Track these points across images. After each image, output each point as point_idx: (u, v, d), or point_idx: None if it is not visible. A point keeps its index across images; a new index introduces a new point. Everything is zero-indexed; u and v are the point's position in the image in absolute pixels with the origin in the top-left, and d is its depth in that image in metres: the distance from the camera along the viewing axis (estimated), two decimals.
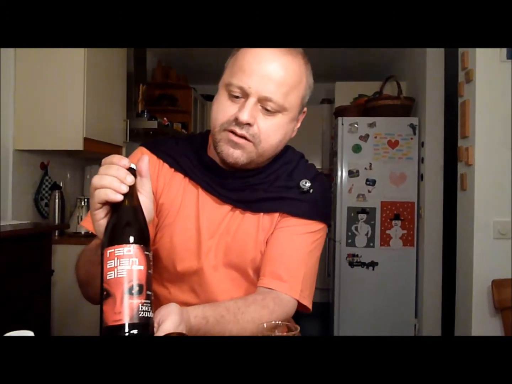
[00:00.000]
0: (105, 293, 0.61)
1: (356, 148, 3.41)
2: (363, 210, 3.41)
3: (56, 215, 2.56)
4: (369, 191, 3.40)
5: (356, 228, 3.42)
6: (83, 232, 2.56)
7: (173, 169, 0.99)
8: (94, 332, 2.39)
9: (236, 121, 0.87)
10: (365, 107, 3.58)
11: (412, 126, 3.35)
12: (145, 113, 3.25)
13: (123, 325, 0.59)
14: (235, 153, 0.90)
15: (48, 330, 1.95)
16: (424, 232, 3.26)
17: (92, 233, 2.60)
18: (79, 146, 2.41)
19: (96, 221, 0.69)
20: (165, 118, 3.37)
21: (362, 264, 3.42)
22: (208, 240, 0.95)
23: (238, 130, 0.87)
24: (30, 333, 0.55)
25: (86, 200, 2.67)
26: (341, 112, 3.66)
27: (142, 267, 0.62)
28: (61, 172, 2.85)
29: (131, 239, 0.63)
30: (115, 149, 2.87)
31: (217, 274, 0.95)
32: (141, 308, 0.60)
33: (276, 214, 0.96)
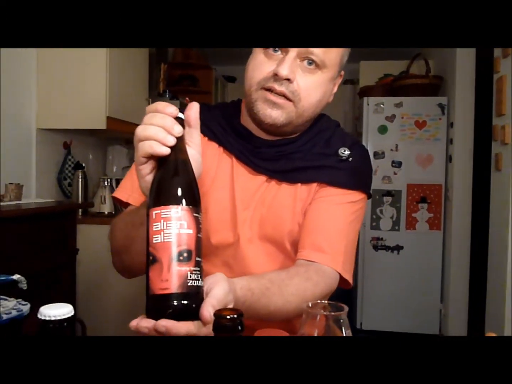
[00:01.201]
0: (151, 258, 0.56)
1: (382, 129, 3.32)
2: (389, 193, 3.33)
3: (79, 194, 2.55)
4: (395, 173, 3.31)
5: (381, 211, 3.34)
6: (106, 212, 2.55)
7: (206, 138, 0.94)
8: (117, 312, 2.38)
9: (275, 77, 0.83)
10: (391, 87, 3.48)
11: (441, 106, 3.24)
12: (167, 93, 3.20)
13: (171, 294, 0.54)
14: (273, 113, 0.85)
15: (73, 308, 1.94)
16: (452, 215, 3.17)
17: (114, 213, 2.56)
18: (102, 125, 2.38)
19: (141, 177, 0.64)
20: (187, 98, 3.32)
21: (387, 248, 3.35)
22: (243, 212, 0.91)
23: (277, 86, 0.83)
24: (68, 306, 0.51)
25: (109, 180, 2.65)
26: (366, 92, 3.56)
27: (191, 231, 0.56)
28: (84, 152, 2.83)
29: (179, 199, 0.56)
30: None
31: (252, 247, 0.91)
32: (190, 276, 0.55)
33: (314, 184, 0.92)
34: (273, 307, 0.74)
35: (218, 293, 0.59)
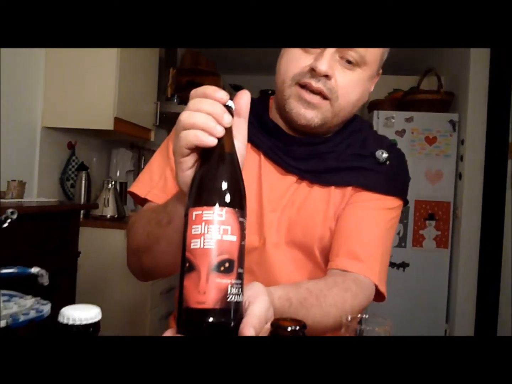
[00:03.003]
0: (187, 264, 0.48)
1: None
2: None
3: (82, 196, 2.47)
4: None
5: None
6: (109, 216, 2.47)
7: None
8: (118, 319, 2.28)
9: (312, 73, 0.77)
10: (401, 102, 3.44)
11: (452, 123, 3.20)
12: (175, 97, 3.15)
13: (208, 310, 0.47)
14: (308, 114, 0.79)
15: None
16: (460, 233, 3.10)
17: (117, 216, 2.46)
18: (109, 125, 2.31)
19: (181, 171, 0.56)
20: None
21: (392, 265, 3.27)
22: (270, 213, 0.84)
23: (313, 83, 0.77)
24: (96, 308, 0.44)
25: (113, 183, 2.58)
26: (376, 106, 3.51)
27: (234, 238, 0.48)
28: (88, 154, 2.77)
29: (224, 200, 0.49)
30: (144, 132, 2.79)
31: (278, 252, 0.84)
32: (231, 290, 0.47)
33: (349, 188, 0.85)
34: (311, 320, 0.67)
35: (259, 310, 0.51)
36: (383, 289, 0.81)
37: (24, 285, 1.03)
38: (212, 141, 0.52)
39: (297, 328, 0.42)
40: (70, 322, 0.41)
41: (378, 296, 0.83)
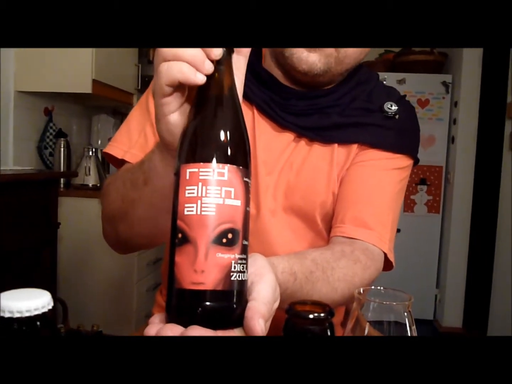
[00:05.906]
0: (179, 235, 0.38)
1: None
2: None
3: (61, 165, 2.35)
4: None
5: None
6: (90, 185, 2.36)
7: None
8: (102, 292, 2.18)
9: None
10: (392, 63, 3.33)
11: (445, 84, 3.10)
12: None
13: (207, 292, 0.37)
14: (311, 57, 0.69)
15: (54, 289, 1.77)
16: (452, 198, 3.06)
17: (99, 185, 2.33)
18: (87, 89, 2.18)
19: (163, 115, 0.45)
20: None
21: None
22: (266, 177, 0.75)
23: None
24: (44, 295, 0.32)
25: (94, 150, 2.45)
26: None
27: (239, 203, 0.39)
28: (67, 120, 2.62)
29: (226, 154, 0.39)
30: (126, 96, 2.64)
31: (275, 220, 0.75)
32: (234, 267, 0.38)
33: (354, 146, 0.76)
34: (317, 296, 0.59)
35: (266, 292, 0.41)
36: (391, 258, 0.74)
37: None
38: (200, 79, 0.41)
39: (322, 316, 0.33)
40: (7, 315, 0.30)
41: (386, 265, 0.75)
